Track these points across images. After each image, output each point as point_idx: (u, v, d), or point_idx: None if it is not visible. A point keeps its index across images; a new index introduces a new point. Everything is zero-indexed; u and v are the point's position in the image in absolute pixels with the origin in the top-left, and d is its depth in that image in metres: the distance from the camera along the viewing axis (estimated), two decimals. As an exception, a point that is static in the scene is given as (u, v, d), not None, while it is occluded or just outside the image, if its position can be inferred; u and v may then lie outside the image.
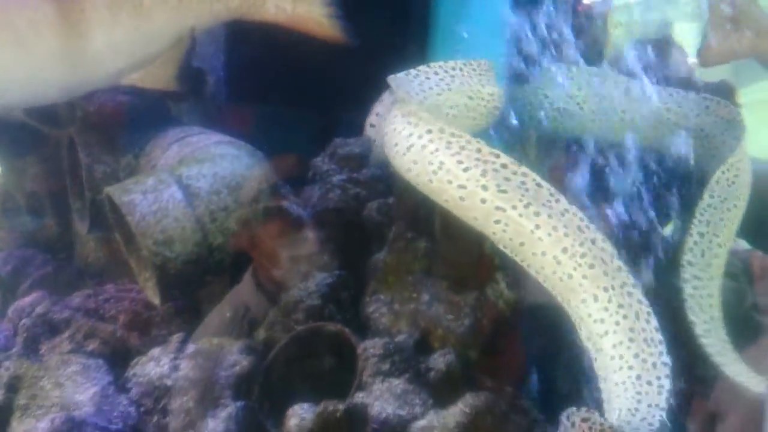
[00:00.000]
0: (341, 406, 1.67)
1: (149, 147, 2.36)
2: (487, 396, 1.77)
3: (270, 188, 2.16)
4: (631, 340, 1.60)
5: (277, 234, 2.17)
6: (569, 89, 2.20)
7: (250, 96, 2.75)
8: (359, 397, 1.77)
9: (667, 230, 2.52)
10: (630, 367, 1.60)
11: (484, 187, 1.62)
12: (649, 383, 1.58)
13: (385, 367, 1.85)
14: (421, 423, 1.72)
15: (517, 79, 2.22)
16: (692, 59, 2.73)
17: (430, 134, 1.69)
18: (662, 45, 2.65)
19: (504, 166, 1.62)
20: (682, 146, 2.21)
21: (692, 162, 2.25)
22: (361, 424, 1.69)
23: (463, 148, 1.65)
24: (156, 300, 2.08)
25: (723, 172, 2.02)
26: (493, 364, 2.05)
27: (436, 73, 2.04)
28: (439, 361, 1.89)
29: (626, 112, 2.19)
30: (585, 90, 2.20)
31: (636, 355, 1.60)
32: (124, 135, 2.42)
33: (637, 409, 1.56)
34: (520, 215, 1.61)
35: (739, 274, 2.37)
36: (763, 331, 2.22)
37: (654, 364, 1.58)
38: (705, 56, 2.67)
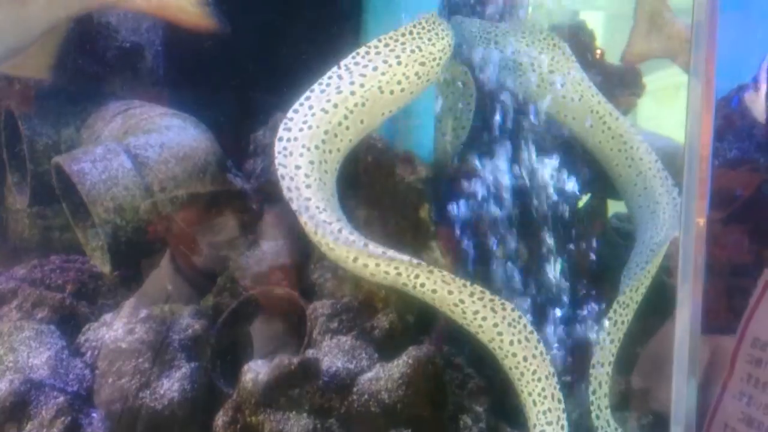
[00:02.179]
0: (295, 360, 1.77)
1: (91, 119, 2.37)
2: (428, 349, 1.90)
3: (216, 159, 2.22)
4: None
5: (194, 220, 2.24)
6: (532, 48, 2.32)
7: (188, 71, 2.78)
8: (310, 353, 1.88)
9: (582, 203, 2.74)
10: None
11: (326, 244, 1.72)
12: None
13: (334, 325, 1.97)
14: (369, 375, 1.84)
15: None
16: (599, 47, 2.96)
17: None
18: (575, 30, 2.86)
19: (339, 230, 1.70)
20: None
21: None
22: (313, 377, 1.79)
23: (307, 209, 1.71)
24: (105, 268, 2.11)
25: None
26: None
27: (387, 45, 2.04)
28: (383, 319, 2.02)
29: (566, 96, 2.33)
30: (543, 55, 2.31)
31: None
32: (65, 108, 2.42)
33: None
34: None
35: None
36: (671, 291, 2.46)
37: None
38: (628, 57, 2.93)
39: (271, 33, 2.83)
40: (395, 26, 2.68)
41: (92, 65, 2.48)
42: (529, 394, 1.81)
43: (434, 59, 2.03)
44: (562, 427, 1.81)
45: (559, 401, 1.82)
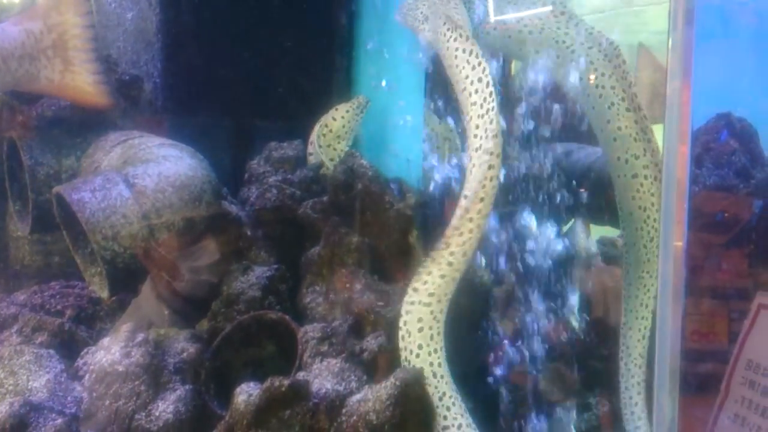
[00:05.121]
0: (286, 382, 1.83)
1: (91, 149, 2.45)
2: (415, 371, 1.95)
3: (212, 188, 2.29)
4: None
5: (189, 247, 2.30)
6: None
7: (185, 102, 2.86)
8: (301, 376, 1.94)
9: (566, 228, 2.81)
10: None
11: None
12: None
13: (324, 348, 2.03)
14: (357, 396, 1.89)
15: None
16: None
17: None
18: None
19: None
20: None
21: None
22: (303, 399, 1.84)
23: None
24: (104, 293, 2.18)
25: None
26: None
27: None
28: (372, 342, 2.08)
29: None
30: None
31: None
32: (66, 138, 2.50)
33: None
34: None
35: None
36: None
37: None
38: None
39: (267, 65, 2.93)
40: (386, 60, 2.79)
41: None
42: None
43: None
44: None
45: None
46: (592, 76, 2.24)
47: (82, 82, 2.25)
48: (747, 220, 2.62)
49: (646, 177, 2.18)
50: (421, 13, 2.28)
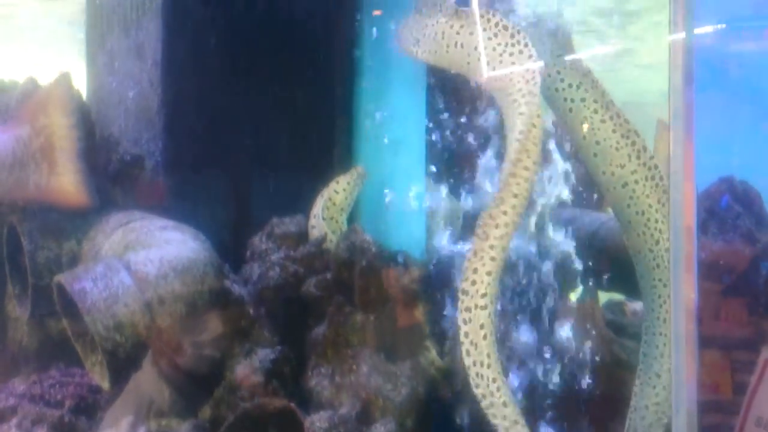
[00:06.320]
0: (294, 480, 1.77)
1: (92, 232, 2.43)
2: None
3: (215, 270, 2.27)
4: None
5: (191, 330, 2.25)
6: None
7: (186, 178, 2.85)
8: (308, 471, 1.88)
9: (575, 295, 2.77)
10: None
11: None
12: None
13: (332, 439, 1.97)
14: (368, 491, 1.84)
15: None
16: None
17: None
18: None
19: None
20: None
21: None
22: (312, 496, 1.79)
23: None
24: (105, 384, 2.13)
25: None
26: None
27: None
28: (381, 430, 2.03)
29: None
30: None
31: None
32: (67, 221, 2.48)
33: None
34: None
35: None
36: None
37: None
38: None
39: (269, 135, 2.93)
40: (385, 123, 2.79)
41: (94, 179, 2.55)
42: None
43: None
44: None
45: None
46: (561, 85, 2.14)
47: (66, 183, 2.25)
48: (746, 269, 2.60)
49: (636, 182, 2.13)
50: (412, 36, 2.26)
